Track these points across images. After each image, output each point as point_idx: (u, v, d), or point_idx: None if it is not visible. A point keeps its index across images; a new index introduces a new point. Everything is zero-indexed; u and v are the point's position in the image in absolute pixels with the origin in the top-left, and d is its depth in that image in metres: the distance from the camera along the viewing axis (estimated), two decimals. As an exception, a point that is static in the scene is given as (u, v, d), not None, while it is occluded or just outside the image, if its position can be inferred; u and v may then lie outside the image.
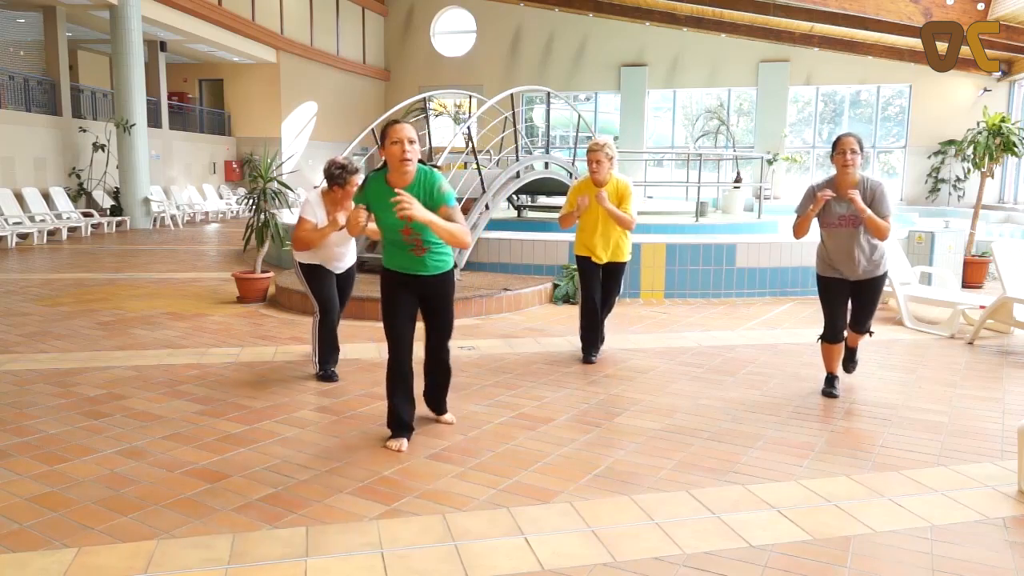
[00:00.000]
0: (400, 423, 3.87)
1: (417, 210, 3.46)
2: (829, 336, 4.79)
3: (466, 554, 2.78)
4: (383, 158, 3.65)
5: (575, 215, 5.47)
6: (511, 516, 3.09)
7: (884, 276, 4.70)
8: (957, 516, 3.15)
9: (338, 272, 5.10)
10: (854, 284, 4.67)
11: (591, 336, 5.63)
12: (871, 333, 4.97)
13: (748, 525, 3.03)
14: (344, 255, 5.08)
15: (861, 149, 4.46)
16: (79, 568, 2.66)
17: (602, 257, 5.54)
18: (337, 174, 4.73)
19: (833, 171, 4.57)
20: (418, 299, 3.86)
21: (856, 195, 4.35)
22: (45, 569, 2.65)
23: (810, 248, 8.45)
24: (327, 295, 5.02)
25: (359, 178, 4.74)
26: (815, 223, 4.68)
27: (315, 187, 5.03)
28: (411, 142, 3.57)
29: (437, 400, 4.22)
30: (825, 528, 3.02)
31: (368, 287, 5.73)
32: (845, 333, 4.83)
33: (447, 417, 4.24)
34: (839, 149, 4.44)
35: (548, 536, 2.92)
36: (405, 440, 3.84)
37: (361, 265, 8.40)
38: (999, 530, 3.03)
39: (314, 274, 5.00)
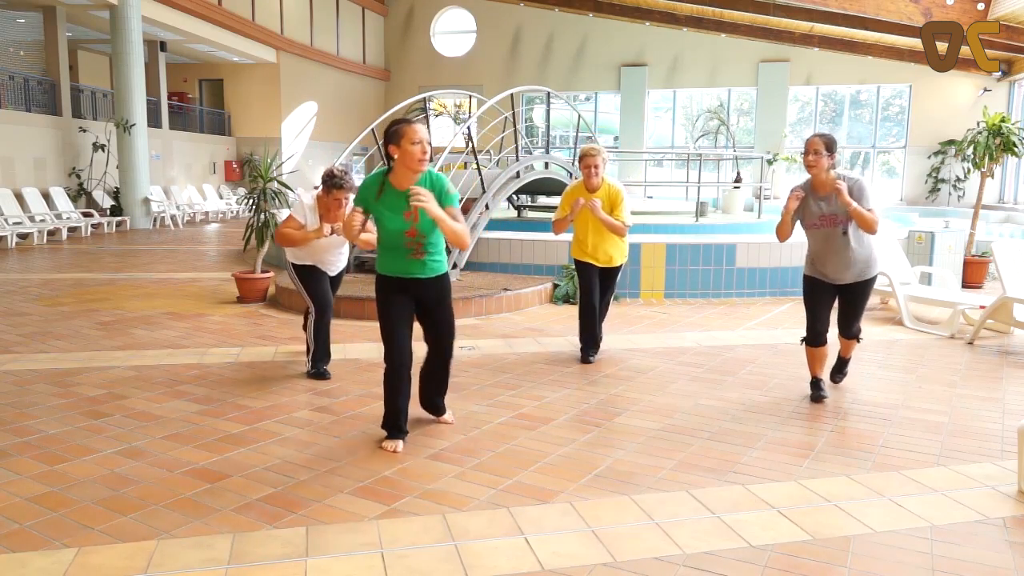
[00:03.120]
0: (397, 426, 3.86)
1: (432, 204, 3.50)
2: (811, 339, 4.67)
3: (466, 554, 2.78)
4: (393, 156, 3.56)
5: (568, 220, 5.48)
6: (511, 516, 3.09)
7: (872, 280, 4.57)
8: (957, 516, 3.15)
9: (331, 274, 5.18)
10: (840, 287, 4.57)
11: (590, 337, 5.63)
12: (859, 339, 4.83)
13: (748, 525, 3.03)
14: (336, 263, 5.17)
15: (829, 150, 4.33)
16: (79, 568, 2.66)
17: (598, 260, 5.56)
18: (326, 180, 4.81)
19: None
20: (415, 302, 3.83)
21: (843, 187, 4.23)
22: (45, 569, 2.65)
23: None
24: (322, 295, 5.05)
25: (348, 196, 4.77)
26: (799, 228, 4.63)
27: (315, 188, 5.13)
28: (428, 143, 3.58)
29: (435, 402, 4.18)
30: (825, 528, 3.02)
31: (369, 287, 5.74)
32: (830, 336, 4.67)
33: (447, 416, 4.21)
34: (805, 149, 4.38)
35: (548, 536, 2.92)
36: (401, 442, 3.84)
37: (361, 265, 8.42)
38: (999, 530, 3.03)
39: (308, 274, 5.05)
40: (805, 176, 4.53)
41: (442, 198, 3.63)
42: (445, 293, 3.87)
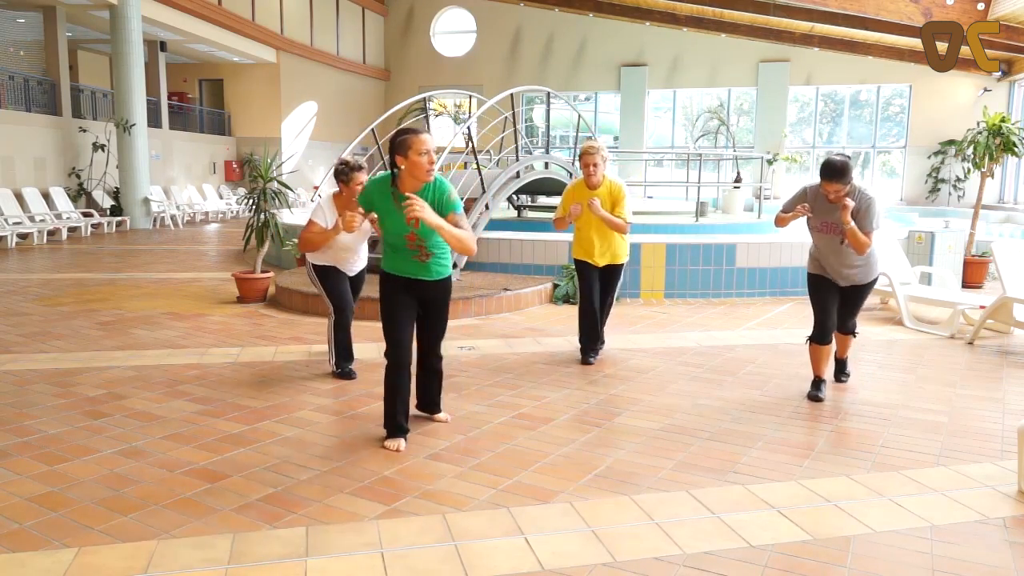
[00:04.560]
0: (398, 426, 3.87)
1: (427, 213, 3.46)
2: (818, 336, 4.73)
3: (466, 554, 2.78)
4: (400, 166, 3.56)
5: (568, 220, 5.47)
6: (511, 516, 3.09)
7: (873, 283, 4.74)
8: (957, 516, 3.15)
9: (350, 275, 5.16)
10: (843, 287, 4.70)
11: (590, 338, 5.61)
12: (855, 334, 4.99)
13: (748, 525, 3.03)
14: (355, 260, 5.15)
15: (847, 181, 4.29)
16: (79, 568, 2.66)
17: (599, 261, 5.54)
18: (341, 170, 4.87)
19: None
20: (417, 302, 3.85)
21: (849, 205, 4.28)
22: (45, 569, 2.65)
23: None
24: (340, 295, 5.06)
25: (363, 176, 4.86)
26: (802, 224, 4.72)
27: (329, 192, 5.15)
28: (435, 153, 3.61)
29: (430, 401, 4.24)
30: (825, 528, 3.02)
31: (368, 287, 5.73)
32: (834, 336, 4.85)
33: (442, 416, 4.24)
34: (823, 188, 4.36)
35: (548, 536, 2.92)
36: (403, 440, 3.85)
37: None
38: (999, 530, 3.03)
39: (327, 274, 5.05)
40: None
41: (444, 206, 3.61)
42: (447, 296, 3.93)
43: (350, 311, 5.12)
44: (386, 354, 3.84)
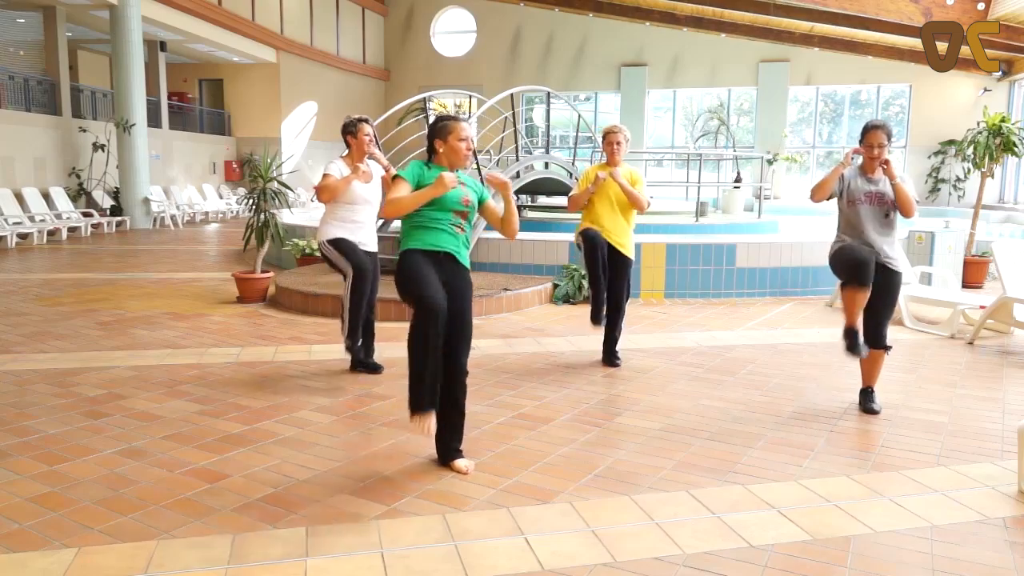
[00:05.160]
0: (431, 392, 3.36)
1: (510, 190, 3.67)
2: (856, 278, 4.23)
3: (466, 554, 2.78)
4: (438, 149, 3.59)
5: (589, 193, 5.29)
6: (511, 516, 3.09)
7: (900, 276, 4.47)
8: (957, 516, 3.15)
9: (364, 248, 5.12)
10: (878, 268, 4.32)
11: (600, 303, 5.34)
12: (888, 348, 4.47)
13: (748, 525, 3.03)
14: (369, 222, 5.16)
15: (889, 139, 4.40)
16: (79, 568, 2.66)
17: (608, 236, 5.33)
18: (349, 122, 5.12)
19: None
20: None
21: (892, 160, 4.31)
22: (45, 569, 2.65)
23: (810, 248, 8.45)
24: (359, 258, 5.04)
25: (368, 127, 5.13)
26: (831, 207, 4.60)
27: (337, 156, 5.30)
28: (473, 142, 3.69)
29: (452, 431, 3.58)
30: (825, 528, 3.02)
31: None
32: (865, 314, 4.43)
33: (461, 464, 3.55)
34: (867, 143, 4.38)
35: (548, 536, 2.92)
36: (433, 417, 3.37)
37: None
38: (999, 530, 3.03)
39: (342, 244, 5.06)
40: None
41: (482, 195, 3.75)
42: (469, 287, 3.60)
43: (369, 277, 5.03)
44: (416, 305, 3.34)
